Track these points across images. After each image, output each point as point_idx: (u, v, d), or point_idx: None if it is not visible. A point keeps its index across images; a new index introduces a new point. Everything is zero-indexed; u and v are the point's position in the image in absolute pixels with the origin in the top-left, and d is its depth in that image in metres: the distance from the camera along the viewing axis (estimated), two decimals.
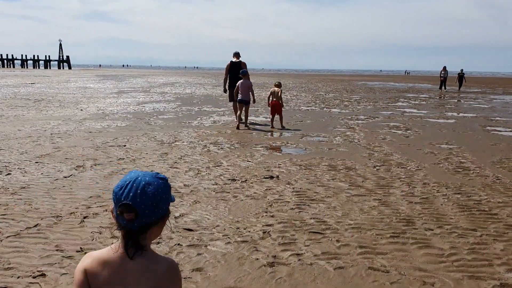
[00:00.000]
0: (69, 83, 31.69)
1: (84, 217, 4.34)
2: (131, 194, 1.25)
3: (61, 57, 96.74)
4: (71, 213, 4.46)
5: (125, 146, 8.12)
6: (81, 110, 14.13)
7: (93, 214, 4.44)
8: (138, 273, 1.30)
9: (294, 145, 8.73)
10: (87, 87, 27.09)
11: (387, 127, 11.75)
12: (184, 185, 5.58)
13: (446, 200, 5.17)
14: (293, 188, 5.52)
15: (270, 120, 11.64)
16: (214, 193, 5.25)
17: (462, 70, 33.11)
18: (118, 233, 1.34)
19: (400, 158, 7.57)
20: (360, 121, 12.85)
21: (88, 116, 12.47)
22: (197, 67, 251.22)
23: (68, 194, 5.07)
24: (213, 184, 5.64)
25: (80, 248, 3.62)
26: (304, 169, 6.61)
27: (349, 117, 13.81)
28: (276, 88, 11.49)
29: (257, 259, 3.50)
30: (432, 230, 4.18)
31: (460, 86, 32.48)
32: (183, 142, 8.72)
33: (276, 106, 11.39)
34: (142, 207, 1.25)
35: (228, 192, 5.30)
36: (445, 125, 12.53)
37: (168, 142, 8.61)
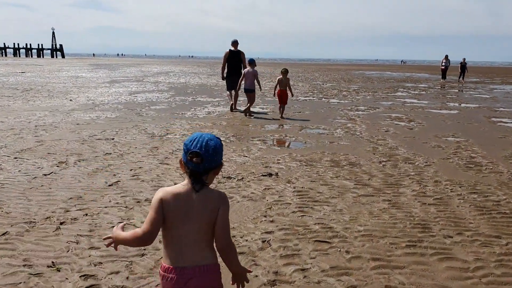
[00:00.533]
0: (61, 72, 30.92)
1: (61, 223, 3.85)
2: (198, 145, 1.70)
3: (54, 46, 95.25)
4: (47, 218, 3.97)
5: (113, 139, 7.60)
6: (70, 100, 13.54)
7: (71, 219, 3.95)
8: (200, 200, 1.73)
9: (294, 138, 8.25)
10: (79, 76, 26.38)
11: (389, 118, 11.28)
12: (175, 184, 5.07)
13: (462, 201, 4.71)
14: (294, 188, 5.04)
15: (274, 110, 11.16)
16: None
17: (464, 59, 31.11)
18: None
19: (406, 153, 7.10)
20: (360, 112, 12.36)
21: (77, 107, 11.90)
22: (192, 56, 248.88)
23: (46, 195, 4.57)
24: None
25: (52, 262, 3.13)
26: (305, 165, 6.13)
27: (349, 108, 13.31)
28: (283, 76, 11.07)
29: (256, 276, 3.02)
30: (452, 237, 3.72)
31: (460, 76, 31.46)
32: (175, 135, 8.21)
33: (283, 96, 10.99)
34: (206, 155, 1.70)
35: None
36: (448, 116, 12.07)
37: (159, 135, 8.09)
